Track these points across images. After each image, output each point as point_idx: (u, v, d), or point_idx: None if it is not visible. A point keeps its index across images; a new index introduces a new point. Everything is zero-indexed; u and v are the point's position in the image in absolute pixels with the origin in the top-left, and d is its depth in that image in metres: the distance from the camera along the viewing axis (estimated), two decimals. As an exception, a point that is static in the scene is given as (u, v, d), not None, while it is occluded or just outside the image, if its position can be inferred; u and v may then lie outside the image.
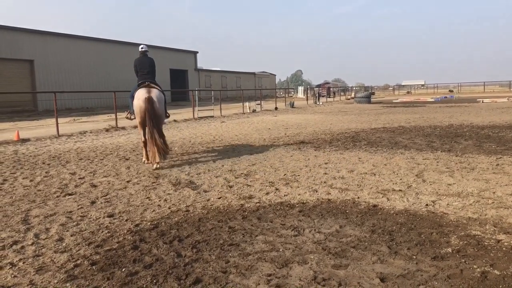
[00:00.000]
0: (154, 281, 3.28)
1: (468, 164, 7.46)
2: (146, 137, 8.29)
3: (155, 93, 8.49)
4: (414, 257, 3.59)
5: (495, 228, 4.22)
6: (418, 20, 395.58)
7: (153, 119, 8.12)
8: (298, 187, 6.22)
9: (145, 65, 9.18)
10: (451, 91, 67.30)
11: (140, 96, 8.37)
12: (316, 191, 5.95)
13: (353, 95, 50.67)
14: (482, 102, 32.51)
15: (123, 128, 16.41)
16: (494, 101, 32.64)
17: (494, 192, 5.56)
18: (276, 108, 29.68)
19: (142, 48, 9.50)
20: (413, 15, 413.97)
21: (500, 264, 3.39)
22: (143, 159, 8.72)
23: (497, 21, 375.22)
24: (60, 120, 15.96)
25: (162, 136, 8.21)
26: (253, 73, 68.97)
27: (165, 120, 9.95)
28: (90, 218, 4.97)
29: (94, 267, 3.57)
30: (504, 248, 3.71)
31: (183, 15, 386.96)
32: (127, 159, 9.09)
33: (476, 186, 5.92)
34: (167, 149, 8.37)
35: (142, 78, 8.94)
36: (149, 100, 8.19)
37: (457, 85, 72.69)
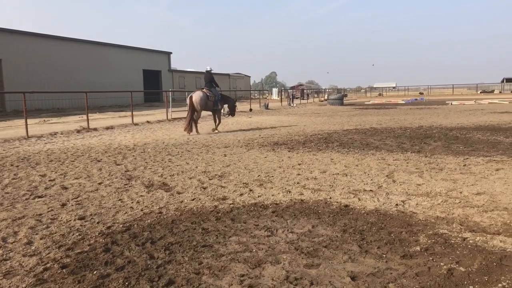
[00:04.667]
0: (126, 283, 3.26)
1: (437, 165, 7.66)
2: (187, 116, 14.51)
3: (198, 94, 14.71)
4: (384, 255, 3.68)
5: (462, 227, 4.35)
6: (389, 24, 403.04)
7: (190, 108, 14.48)
8: (272, 188, 6.27)
9: (206, 78, 15.57)
10: (421, 93, 68.83)
11: (191, 95, 14.79)
12: (290, 191, 6.01)
13: (326, 97, 51.24)
14: (451, 104, 33.40)
15: (95, 129, 16.14)
16: (462, 104, 33.59)
17: (461, 192, 5.73)
18: (250, 110, 29.72)
19: (207, 67, 15.60)
20: (385, 19, 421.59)
21: (465, 261, 3.50)
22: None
23: (465, 27, 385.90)
24: (30, 121, 15.57)
25: (193, 120, 14.55)
26: (228, 75, 68.84)
27: (222, 112, 16.73)
28: (60, 220, 4.89)
29: (64, 270, 3.51)
30: (469, 246, 3.83)
31: (158, 16, 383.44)
32: (99, 161, 8.96)
33: (444, 186, 6.09)
34: (192, 128, 14.46)
35: (204, 86, 15.58)
36: (190, 98, 14.57)
37: (427, 88, 74.42)
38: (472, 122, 16.58)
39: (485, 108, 26.27)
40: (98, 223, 4.80)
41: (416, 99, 47.27)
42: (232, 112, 16.87)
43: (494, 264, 3.44)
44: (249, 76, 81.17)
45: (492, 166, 7.44)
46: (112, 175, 7.43)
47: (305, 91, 60.57)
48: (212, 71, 15.58)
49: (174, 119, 21.16)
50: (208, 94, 14.82)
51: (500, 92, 65.10)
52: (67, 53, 36.06)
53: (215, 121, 15.50)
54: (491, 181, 6.29)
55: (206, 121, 18.20)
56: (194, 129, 14.46)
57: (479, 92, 66.97)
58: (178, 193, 6.10)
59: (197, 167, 8.07)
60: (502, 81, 75.89)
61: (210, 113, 16.02)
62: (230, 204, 5.46)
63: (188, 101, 14.64)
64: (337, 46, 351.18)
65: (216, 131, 15.19)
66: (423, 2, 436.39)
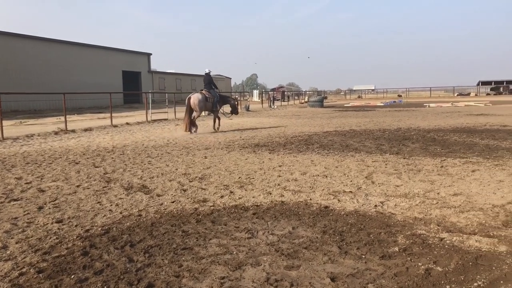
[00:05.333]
0: (105, 287, 3.22)
1: (415, 166, 7.78)
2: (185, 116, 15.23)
3: (196, 96, 15.38)
4: (363, 256, 3.71)
5: (439, 227, 4.43)
6: (368, 27, 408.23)
7: (188, 109, 15.15)
8: (253, 189, 6.27)
9: (205, 80, 16.12)
10: (399, 95, 69.78)
11: (189, 96, 15.48)
12: (270, 193, 6.02)
13: (306, 99, 51.57)
14: (429, 106, 33.96)
15: (73, 131, 15.90)
16: (439, 106, 34.20)
17: (438, 193, 5.83)
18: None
19: (206, 70, 16.12)
20: (363, 22, 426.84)
21: (442, 261, 3.57)
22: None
23: (443, 31, 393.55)
24: (5, 122, 15.25)
25: (191, 119, 15.19)
26: (208, 76, 68.58)
27: (220, 111, 16.86)
28: (37, 224, 4.79)
29: (41, 275, 3.44)
30: (446, 246, 3.90)
31: (138, 17, 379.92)
32: (77, 163, 8.82)
33: (422, 187, 6.19)
34: (192, 128, 15.11)
35: (203, 87, 16.17)
36: (188, 99, 15.19)
37: (406, 90, 75.50)
38: (449, 124, 16.90)
39: (461, 111, 26.81)
40: (76, 226, 4.72)
41: (395, 102, 47.96)
42: (234, 111, 17.41)
43: (470, 263, 3.51)
44: (230, 78, 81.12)
45: (468, 167, 7.59)
46: (90, 178, 7.33)
47: (285, 93, 60.85)
48: (211, 73, 16.36)
49: (154, 120, 21.00)
50: (207, 95, 15.55)
51: (476, 95, 66.59)
52: (44, 53, 35.47)
53: (214, 121, 16.16)
54: (467, 182, 6.42)
55: (202, 120, 18.16)
56: (195, 128, 15.29)
57: (455, 94, 68.37)
58: (158, 195, 6.05)
59: (177, 169, 8.02)
60: (478, 84, 77.68)
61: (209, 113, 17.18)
62: (211, 206, 5.44)
63: (186, 102, 15.36)
64: (317, 49, 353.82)
65: (214, 130, 15.87)
66: (400, 5, 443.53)
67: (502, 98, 50.32)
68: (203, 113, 17.11)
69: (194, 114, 15.42)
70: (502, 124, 16.22)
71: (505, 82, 73.20)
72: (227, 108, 17.56)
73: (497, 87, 70.93)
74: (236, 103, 18.10)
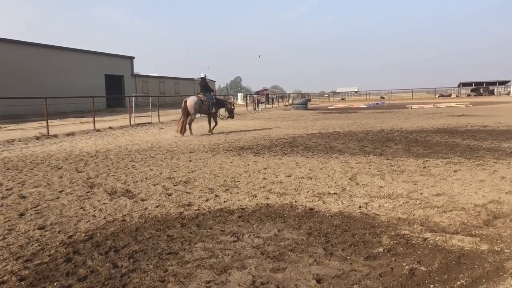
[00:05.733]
0: (89, 294, 3.17)
1: (398, 167, 7.86)
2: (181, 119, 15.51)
3: (192, 99, 15.72)
4: (348, 257, 3.73)
5: (422, 227, 4.48)
6: (351, 30, 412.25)
7: (184, 112, 15.48)
8: (238, 193, 6.26)
9: (201, 84, 16.76)
10: (382, 97, 70.57)
11: (185, 99, 15.85)
12: (255, 196, 6.02)
13: (290, 102, 51.73)
14: (411, 108, 34.40)
15: (55, 136, 15.68)
16: (421, 107, 34.65)
17: (421, 193, 5.90)
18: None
19: (201, 74, 16.82)
20: (346, 24, 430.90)
21: (426, 261, 3.61)
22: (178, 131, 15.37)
23: (424, 33, 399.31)
24: (-15, 128, 14.96)
25: (191, 121, 15.78)
26: (192, 79, 68.46)
27: (219, 114, 17.21)
28: (18, 231, 4.71)
29: (22, 282, 3.38)
30: (430, 246, 3.95)
31: (119, 20, 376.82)
32: (59, 168, 8.70)
33: (405, 187, 6.26)
34: (185, 130, 15.27)
35: (199, 91, 16.75)
36: (184, 102, 15.57)
37: (388, 92, 76.36)
38: (431, 125, 17.12)
39: (443, 112, 27.20)
40: (59, 232, 4.66)
41: (378, 103, 48.45)
42: (231, 115, 18.04)
43: (453, 262, 3.56)
44: (214, 81, 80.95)
45: (450, 167, 7.70)
46: (73, 183, 7.23)
47: (270, 95, 60.95)
48: (207, 78, 17.01)
49: (137, 124, 20.83)
50: (202, 98, 16.07)
51: (457, 96, 67.67)
52: (25, 57, 34.91)
53: (209, 124, 16.66)
54: (449, 182, 6.51)
55: (196, 123, 18.13)
56: (188, 131, 15.59)
57: (437, 96, 69.34)
58: (142, 200, 6.00)
59: (161, 173, 7.97)
60: (459, 86, 79.02)
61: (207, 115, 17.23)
62: (196, 210, 5.41)
63: (182, 105, 15.82)
64: (300, 51, 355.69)
65: (211, 133, 16.19)
66: (382, 9, 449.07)
67: (482, 99, 51.26)
68: (197, 115, 17.41)
69: (189, 118, 15.80)
70: (483, 124, 16.50)
71: (484, 83, 74.64)
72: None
73: (477, 88, 72.21)
74: (232, 107, 18.42)
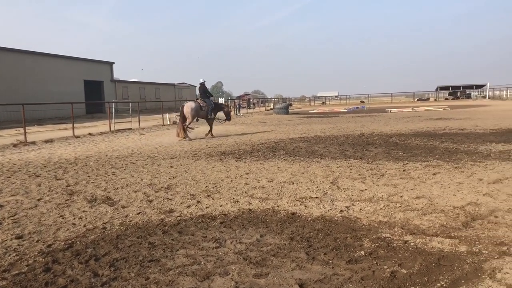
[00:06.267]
0: (69, 304, 3.11)
1: (378, 171, 7.95)
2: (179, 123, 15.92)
3: (189, 104, 16.25)
4: (331, 261, 3.75)
5: (403, 230, 4.54)
6: (331, 35, 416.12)
7: (181, 116, 15.90)
8: (220, 198, 6.24)
9: (200, 90, 17.27)
10: (362, 101, 71.32)
11: (183, 104, 16.59)
12: (238, 201, 6.01)
13: (272, 107, 51.90)
14: (390, 112, 34.84)
15: (33, 143, 15.39)
16: (400, 111, 35.14)
17: (401, 196, 5.97)
18: (197, 120, 29.47)
19: (200, 80, 17.07)
20: (326, 29, 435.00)
21: (407, 263, 3.65)
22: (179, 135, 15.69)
23: (404, 38, 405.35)
24: (-41, 135, 14.60)
25: (186, 126, 15.73)
26: (173, 84, 68.17)
27: (218, 119, 17.88)
28: (-5, 241, 4.60)
29: (0, 294, 3.31)
30: (410, 248, 4.00)
31: (99, 25, 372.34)
32: (37, 176, 8.54)
33: (386, 191, 6.33)
34: (185, 134, 15.55)
35: (199, 97, 17.49)
36: (182, 107, 16.23)
37: (368, 96, 77.27)
38: (410, 128, 17.37)
39: (421, 115, 27.63)
40: (37, 241, 4.57)
41: (358, 107, 48.99)
42: (228, 118, 18.31)
43: (433, 264, 3.61)
44: (195, 86, 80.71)
45: (429, 170, 7.82)
46: (52, 191, 7.11)
47: (251, 100, 61.05)
48: (206, 83, 17.41)
49: (118, 130, 20.61)
50: (201, 104, 16.55)
51: (435, 100, 68.89)
52: (2, 63, 34.25)
53: (211, 127, 17.04)
54: (429, 185, 6.61)
55: (196, 127, 18.12)
56: (186, 135, 15.78)
57: (416, 100, 70.41)
58: (123, 207, 5.93)
59: (142, 179, 7.90)
60: (437, 89, 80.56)
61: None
62: (177, 216, 5.38)
63: (180, 109, 16.40)
64: (282, 56, 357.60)
65: (210, 136, 16.63)
66: (362, 14, 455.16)
67: (459, 103, 52.24)
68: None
69: (186, 122, 16.05)
70: (460, 127, 16.82)
71: (462, 87, 76.17)
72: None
73: (455, 92, 73.59)
74: (229, 110, 19.13)
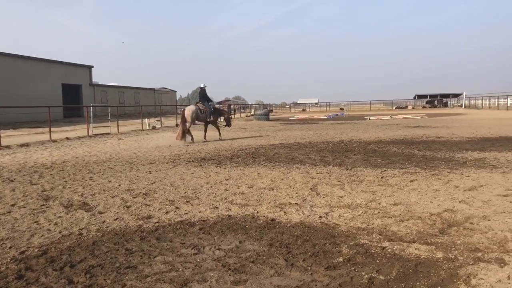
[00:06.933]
0: (42, 312, 3.04)
1: (357, 177, 8.01)
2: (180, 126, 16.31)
3: (189, 108, 16.94)
4: (309, 268, 3.76)
5: (381, 236, 4.57)
6: (310, 41, 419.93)
7: (182, 119, 16.42)
8: (199, 204, 6.20)
9: (200, 94, 17.86)
10: (341, 109, 71.93)
11: (184, 108, 17.55)
12: (217, 207, 5.98)
13: (252, 113, 51.99)
14: (369, 119, 35.23)
15: (8, 147, 15.04)
16: (379, 119, 35.57)
17: (379, 203, 6.03)
18: (177, 125, 29.27)
19: (201, 85, 17.67)
20: (306, 36, 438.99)
21: (384, 270, 3.68)
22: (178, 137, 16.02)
23: (380, 46, 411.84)
24: None
25: (186, 129, 16.08)
26: (153, 89, 67.65)
27: (219, 122, 18.74)
28: (-34, 247, 4.46)
29: (-30, 302, 3.20)
30: (388, 255, 4.03)
31: (79, 29, 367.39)
32: (12, 181, 8.34)
33: (364, 197, 6.38)
34: (187, 137, 16.11)
35: (198, 100, 17.85)
36: (183, 111, 16.75)
37: (347, 103, 78.05)
38: (389, 136, 17.60)
39: (400, 123, 28.04)
40: (10, 248, 4.45)
41: (337, 115, 49.39)
42: (228, 123, 18.70)
43: (410, 271, 3.65)
44: (175, 91, 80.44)
45: (407, 177, 7.92)
46: (27, 196, 6.95)
47: (232, 106, 61.03)
48: (206, 88, 17.85)
49: (96, 135, 20.33)
50: (201, 108, 17.03)
51: (413, 108, 69.95)
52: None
53: (205, 131, 17.72)
54: (406, 192, 6.70)
55: (194, 130, 18.12)
56: (188, 137, 16.27)
57: (394, 107, 71.42)
58: (100, 213, 5.83)
59: (120, 185, 7.79)
60: (414, 98, 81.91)
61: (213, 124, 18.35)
62: (155, 222, 5.31)
63: (181, 113, 17.14)
64: (262, 62, 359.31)
65: (219, 139, 17.51)
66: (340, 22, 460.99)
67: (436, 111, 53.26)
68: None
69: (187, 125, 16.45)
70: (437, 135, 17.12)
71: (439, 96, 77.56)
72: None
73: (432, 100, 74.94)
74: (230, 116, 19.93)
